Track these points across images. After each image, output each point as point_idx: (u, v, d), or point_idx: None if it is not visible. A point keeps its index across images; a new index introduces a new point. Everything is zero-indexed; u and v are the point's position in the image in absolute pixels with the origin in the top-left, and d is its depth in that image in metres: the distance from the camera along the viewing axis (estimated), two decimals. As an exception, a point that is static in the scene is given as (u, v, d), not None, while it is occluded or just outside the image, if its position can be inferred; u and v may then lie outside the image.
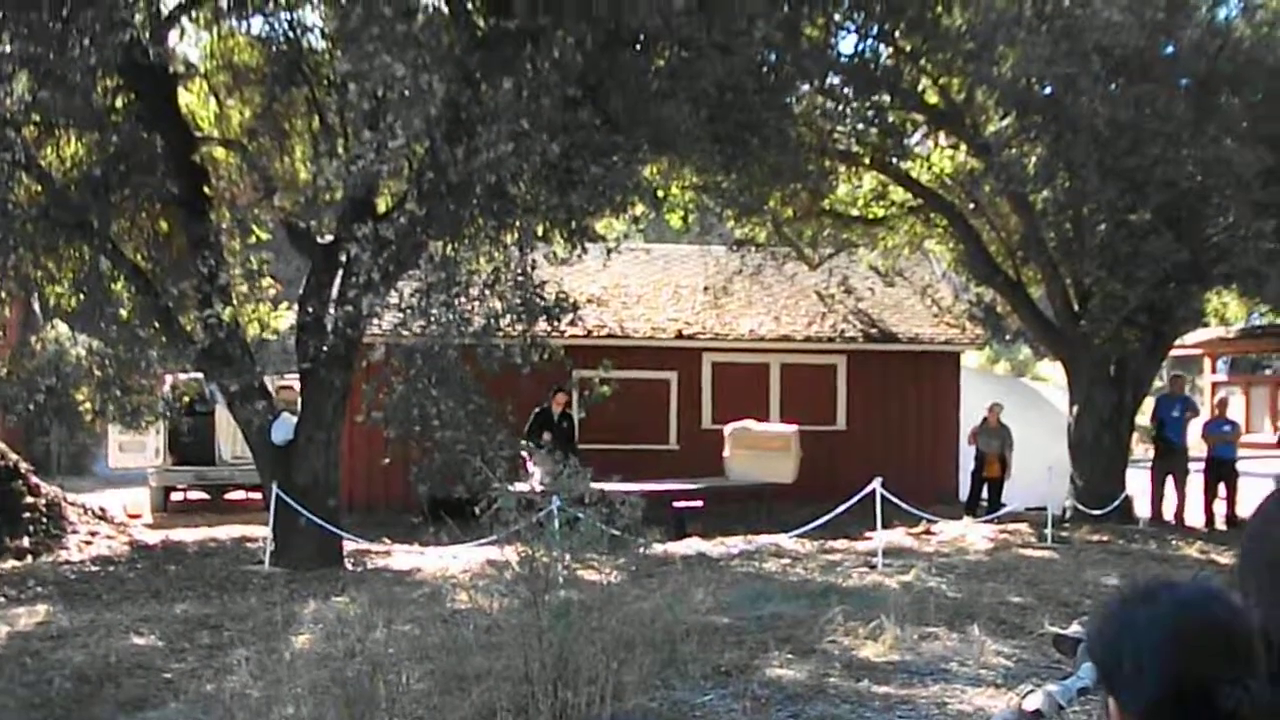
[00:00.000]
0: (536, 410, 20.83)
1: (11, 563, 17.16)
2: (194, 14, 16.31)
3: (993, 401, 22.53)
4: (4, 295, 17.40)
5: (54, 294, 17.86)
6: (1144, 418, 23.06)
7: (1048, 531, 18.37)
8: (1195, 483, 21.47)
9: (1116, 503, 20.22)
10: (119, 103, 16.34)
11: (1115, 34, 16.86)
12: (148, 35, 14.29)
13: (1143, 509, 21.38)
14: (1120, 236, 18.65)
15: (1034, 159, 19.30)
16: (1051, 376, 37.22)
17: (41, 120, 16.14)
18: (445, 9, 15.05)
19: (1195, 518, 21.32)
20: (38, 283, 17.47)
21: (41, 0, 13.10)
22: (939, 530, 19.34)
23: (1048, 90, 18.03)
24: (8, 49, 14.00)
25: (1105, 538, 18.57)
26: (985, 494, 21.98)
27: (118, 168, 16.06)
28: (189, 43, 17.49)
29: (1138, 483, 21.56)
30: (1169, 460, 21.47)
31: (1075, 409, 21.11)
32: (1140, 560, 16.48)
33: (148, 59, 14.73)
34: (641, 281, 26.84)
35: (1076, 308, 20.60)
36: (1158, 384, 25.66)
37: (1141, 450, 25.36)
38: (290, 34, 16.29)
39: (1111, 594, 2.20)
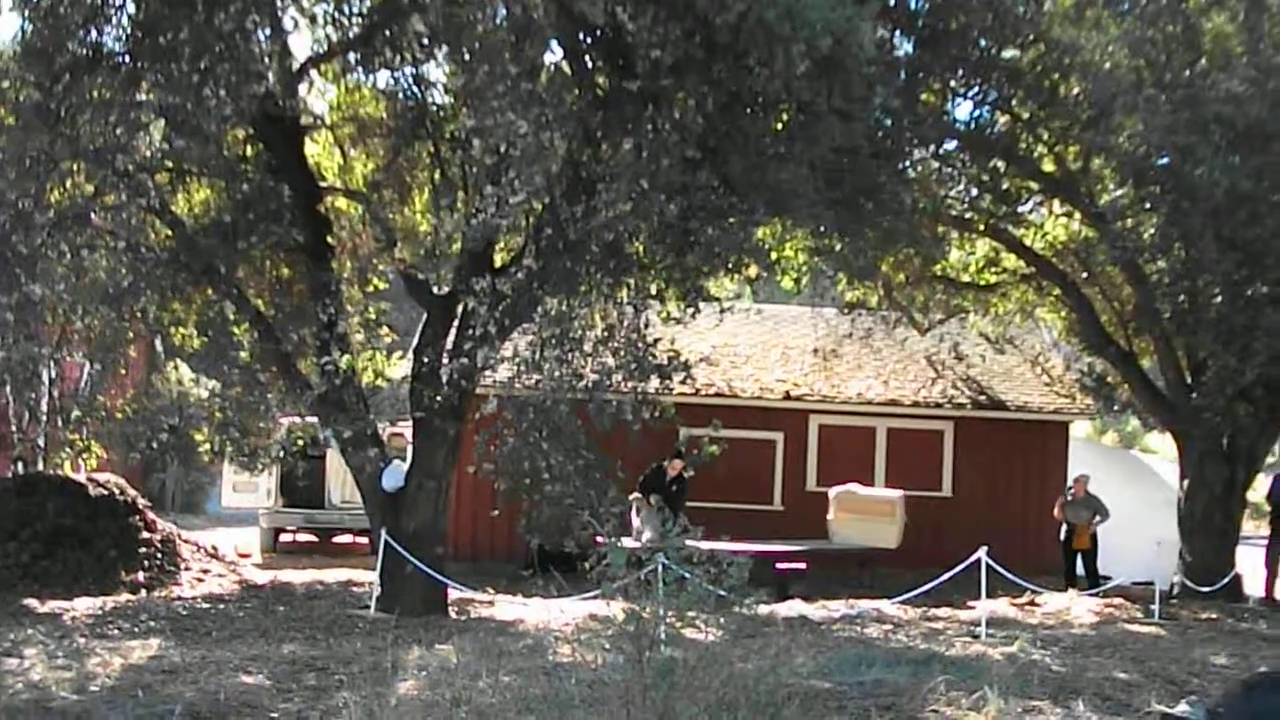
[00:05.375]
0: (653, 467, 20.95)
1: (126, 596, 17.57)
2: (323, 67, 16.71)
3: (1080, 473, 22.24)
4: (131, 335, 17.86)
5: (179, 336, 18.31)
6: (1255, 494, 22.65)
7: (1155, 607, 18.09)
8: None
9: (1226, 580, 19.87)
10: (249, 152, 16.78)
11: (1236, 104, 16.72)
12: (280, 88, 14.69)
13: (1252, 587, 20.98)
14: (1236, 309, 18.45)
15: (1150, 229, 19.15)
16: (1161, 448, 36.68)
17: (175, 168, 16.65)
18: (568, 69, 15.31)
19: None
20: (163, 324, 17.91)
21: (181, 52, 13.50)
22: (1043, 601, 19.11)
23: (1165, 160, 17.89)
24: (146, 98, 14.46)
25: (1214, 616, 18.26)
26: (1080, 567, 21.61)
27: (246, 215, 16.43)
28: (316, 95, 17.96)
29: (1248, 560, 21.17)
30: (1286, 539, 21.06)
31: (1186, 483, 20.80)
32: (1250, 640, 16.18)
33: (279, 110, 15.16)
34: (751, 342, 26.89)
35: (1189, 380, 20.35)
36: (1270, 459, 25.19)
37: (1251, 527, 24.89)
38: (414, 89, 16.65)
39: (1231, 680, 2.23)
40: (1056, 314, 24.17)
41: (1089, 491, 21.69)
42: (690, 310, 16.60)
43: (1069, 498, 21.85)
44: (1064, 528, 21.74)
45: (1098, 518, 21.41)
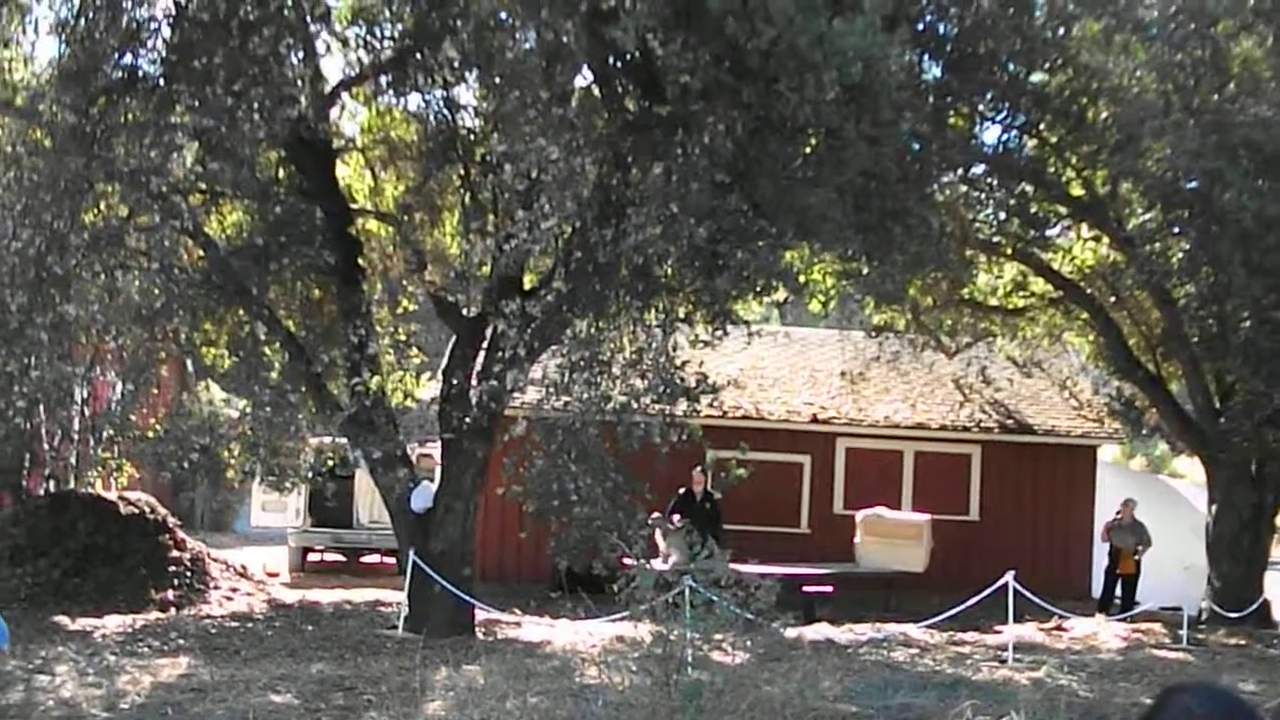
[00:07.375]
0: (680, 491, 20.94)
1: (156, 614, 17.69)
2: (354, 90, 16.84)
3: (1127, 497, 22.18)
4: (163, 356, 17.98)
5: (210, 356, 18.44)
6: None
7: (1183, 633, 18.04)
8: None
9: (1254, 606, 19.80)
10: (281, 175, 16.91)
11: (1264, 129, 16.71)
12: (312, 111, 14.82)
13: (1282, 613, 20.91)
14: (1265, 334, 18.43)
15: (1178, 253, 19.14)
16: (1189, 473, 36.50)
17: (208, 190, 16.80)
18: (598, 93, 15.40)
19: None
20: (195, 345, 18.04)
21: (215, 76, 13.65)
22: (1071, 627, 19.06)
23: (1194, 184, 17.88)
24: (181, 121, 14.61)
25: (1242, 641, 18.20)
26: (1120, 591, 21.59)
27: (278, 237, 16.55)
28: (348, 118, 18.09)
29: (1276, 586, 21.08)
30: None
31: (1214, 508, 20.74)
32: (1278, 666, 16.14)
33: (311, 133, 15.29)
34: (778, 364, 26.88)
35: (1217, 405, 20.30)
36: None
37: (1280, 552, 24.77)
38: (445, 113, 16.76)
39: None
40: (1084, 338, 24.16)
41: (1135, 517, 21.62)
42: (718, 333, 16.62)
43: (1116, 522, 21.80)
44: (1109, 551, 21.73)
45: (1141, 546, 21.35)
